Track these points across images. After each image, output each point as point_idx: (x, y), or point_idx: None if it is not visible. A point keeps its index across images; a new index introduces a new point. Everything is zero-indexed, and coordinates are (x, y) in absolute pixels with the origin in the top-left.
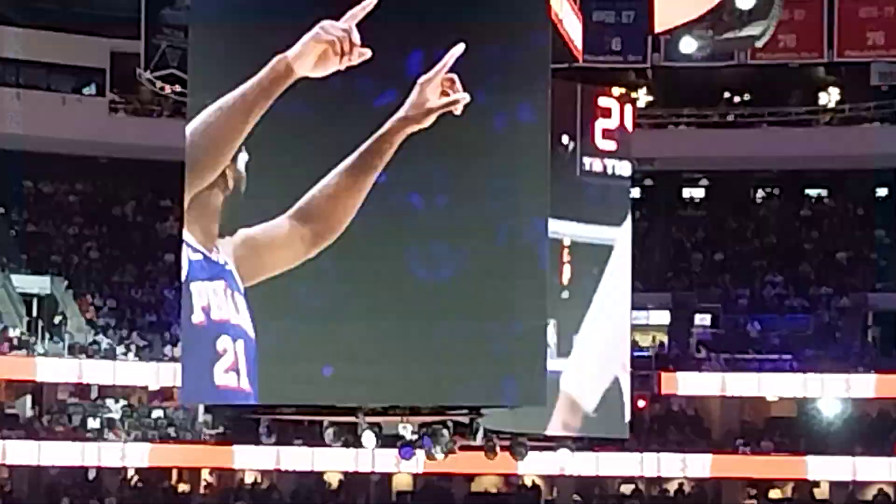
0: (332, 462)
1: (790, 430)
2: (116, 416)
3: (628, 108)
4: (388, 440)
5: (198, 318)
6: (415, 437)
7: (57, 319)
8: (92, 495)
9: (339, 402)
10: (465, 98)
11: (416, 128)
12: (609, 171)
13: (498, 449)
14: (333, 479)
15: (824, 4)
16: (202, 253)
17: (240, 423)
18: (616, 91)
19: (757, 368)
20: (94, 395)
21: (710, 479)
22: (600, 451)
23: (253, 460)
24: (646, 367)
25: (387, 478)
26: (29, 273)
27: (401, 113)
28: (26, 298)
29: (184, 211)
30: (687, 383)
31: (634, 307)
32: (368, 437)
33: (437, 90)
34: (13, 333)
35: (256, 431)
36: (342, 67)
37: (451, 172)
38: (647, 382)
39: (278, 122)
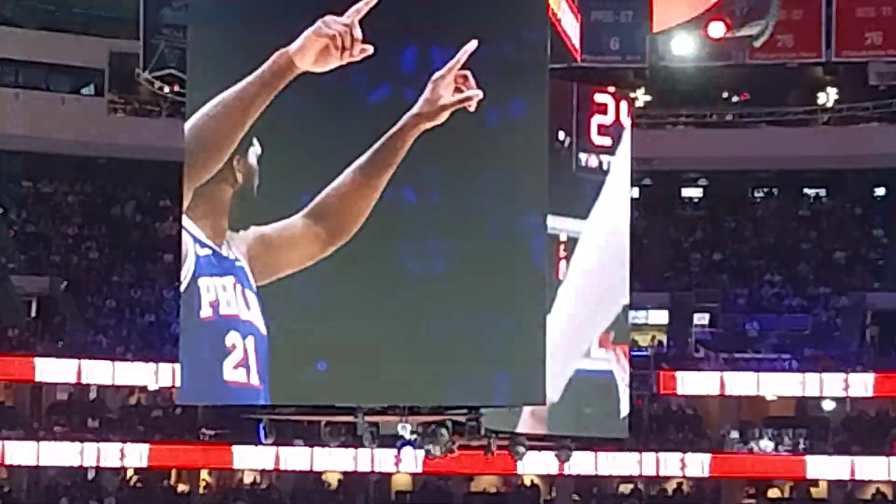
0: (331, 462)
1: (789, 429)
2: (115, 416)
3: (623, 104)
4: (386, 440)
5: (206, 312)
6: (413, 436)
7: (56, 320)
8: (91, 495)
9: (336, 402)
10: (479, 94)
11: (429, 125)
12: (605, 167)
13: (494, 448)
14: (332, 479)
15: (822, 4)
16: (211, 248)
17: (239, 423)
18: (612, 89)
19: (755, 368)
20: (92, 395)
21: (708, 479)
22: (599, 450)
23: (252, 460)
24: (644, 366)
25: (386, 478)
26: (28, 273)
27: (414, 110)
28: (26, 299)
29: (182, 205)
30: (686, 383)
31: (633, 307)
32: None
33: (451, 87)
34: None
35: (255, 431)
36: (343, 63)
37: (444, 167)
38: (645, 382)
39: (277, 118)
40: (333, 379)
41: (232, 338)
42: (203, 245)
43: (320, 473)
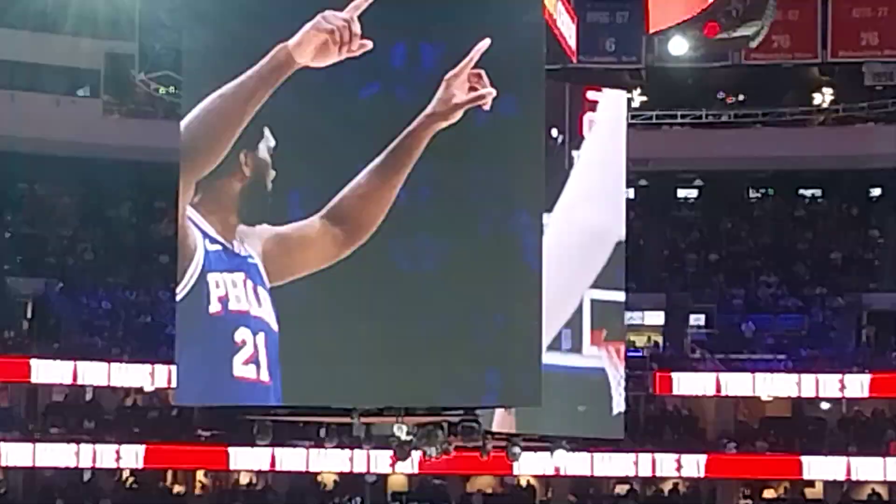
0: (326, 463)
1: (785, 429)
2: (111, 417)
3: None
4: (382, 440)
5: (214, 308)
6: (410, 437)
7: (52, 321)
8: (87, 497)
9: (332, 403)
10: (493, 93)
11: (443, 124)
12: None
13: (490, 448)
14: (328, 480)
15: (818, 5)
16: (221, 244)
17: (235, 424)
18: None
19: (751, 368)
20: (88, 396)
21: (704, 479)
22: (595, 451)
23: (248, 461)
24: (641, 367)
25: (382, 478)
26: (24, 275)
27: (428, 110)
28: (21, 300)
29: (179, 197)
30: (682, 383)
31: (629, 308)
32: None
33: (464, 85)
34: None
35: (251, 432)
36: (342, 58)
37: (435, 164)
38: (641, 383)
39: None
40: (328, 379)
41: (241, 334)
42: (213, 241)
43: (316, 474)
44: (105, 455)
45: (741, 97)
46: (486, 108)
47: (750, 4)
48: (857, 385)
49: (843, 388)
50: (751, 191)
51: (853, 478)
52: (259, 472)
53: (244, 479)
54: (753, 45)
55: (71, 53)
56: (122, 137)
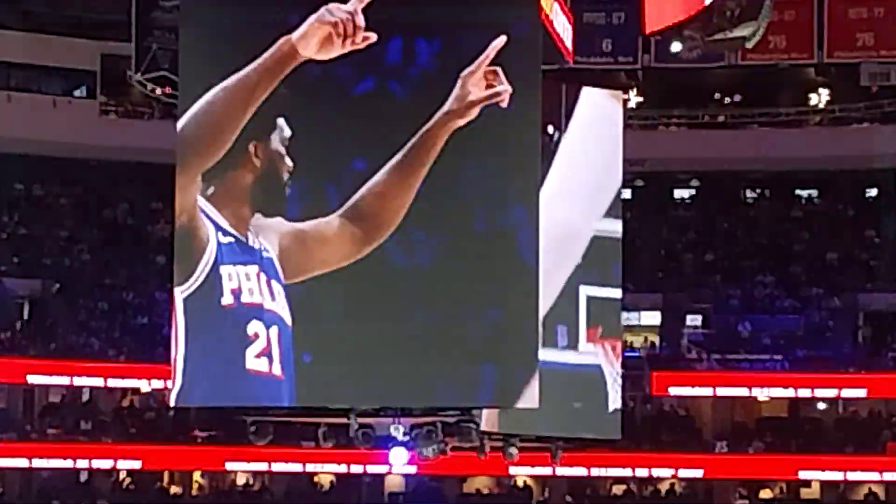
0: (323, 463)
1: (781, 430)
2: (108, 418)
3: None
4: (379, 440)
5: (227, 300)
6: (406, 437)
7: (48, 322)
8: (84, 498)
9: (327, 404)
10: (509, 89)
11: (460, 122)
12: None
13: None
14: (325, 481)
15: (814, 6)
16: (234, 236)
17: (231, 425)
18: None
19: (748, 369)
20: (85, 397)
21: (701, 480)
22: (592, 451)
23: (245, 462)
24: (637, 367)
25: (378, 479)
26: (20, 276)
27: (444, 108)
28: (18, 301)
29: (175, 189)
30: (678, 384)
31: (625, 308)
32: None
33: (481, 83)
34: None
35: (248, 433)
36: (346, 50)
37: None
38: (638, 383)
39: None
40: (322, 376)
41: (254, 326)
42: (225, 233)
43: (313, 475)
44: (102, 456)
45: (737, 97)
46: (504, 105)
47: (746, 5)
48: (854, 385)
49: (839, 388)
50: (747, 191)
51: (850, 478)
52: (255, 473)
53: (241, 480)
54: (750, 45)
55: (67, 54)
56: (118, 138)
